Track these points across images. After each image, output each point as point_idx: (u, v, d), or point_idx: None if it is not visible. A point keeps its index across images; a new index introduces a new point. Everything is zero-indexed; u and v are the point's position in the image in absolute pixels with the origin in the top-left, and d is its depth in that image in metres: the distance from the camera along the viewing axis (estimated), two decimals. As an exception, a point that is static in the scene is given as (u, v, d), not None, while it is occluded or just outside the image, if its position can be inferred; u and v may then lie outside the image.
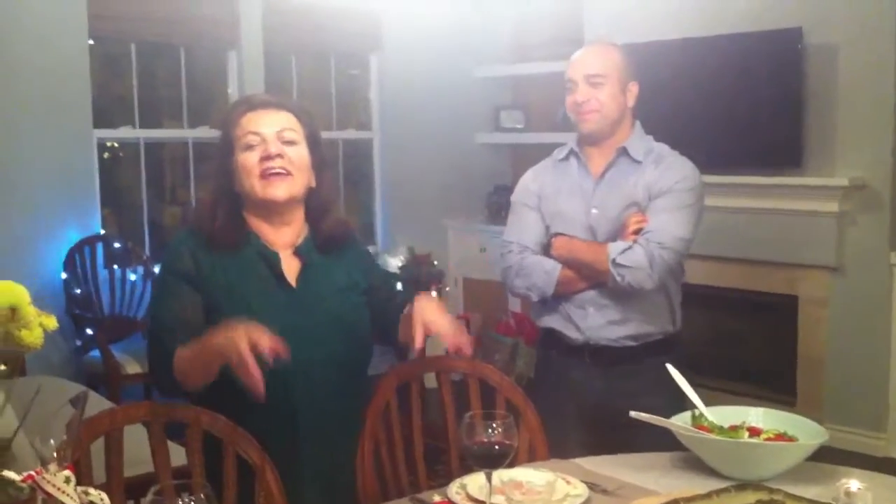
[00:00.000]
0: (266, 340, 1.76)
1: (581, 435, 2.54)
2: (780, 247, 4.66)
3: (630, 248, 2.50)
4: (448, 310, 6.06)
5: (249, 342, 1.74)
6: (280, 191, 2.02)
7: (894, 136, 4.37)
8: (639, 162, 2.62)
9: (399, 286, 2.37)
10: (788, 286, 4.72)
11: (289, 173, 2.02)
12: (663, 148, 2.68)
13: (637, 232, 2.53)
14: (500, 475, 1.74)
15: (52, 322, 0.95)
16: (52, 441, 1.30)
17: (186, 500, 1.29)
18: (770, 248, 4.70)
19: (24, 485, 1.18)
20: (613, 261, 2.49)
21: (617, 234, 2.58)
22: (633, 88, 2.65)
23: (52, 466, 1.25)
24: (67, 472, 1.25)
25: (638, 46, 5.02)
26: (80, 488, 1.28)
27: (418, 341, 1.96)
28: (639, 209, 2.58)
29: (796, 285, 4.70)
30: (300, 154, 2.05)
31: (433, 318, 1.97)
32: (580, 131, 2.66)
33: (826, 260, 4.54)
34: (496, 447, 1.65)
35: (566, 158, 2.72)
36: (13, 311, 0.89)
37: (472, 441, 1.67)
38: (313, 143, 2.11)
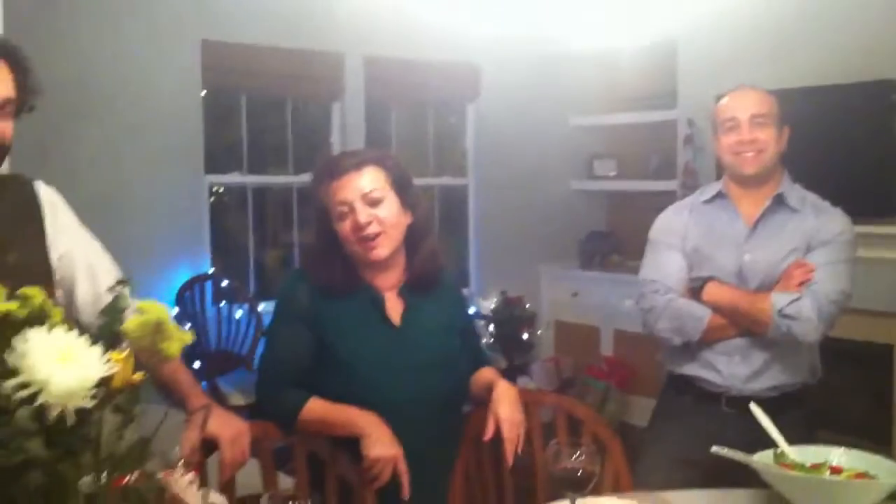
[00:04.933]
0: (406, 475, 2.01)
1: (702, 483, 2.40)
2: (876, 295, 4.62)
3: (798, 299, 2.43)
4: (539, 353, 6.04)
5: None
6: (380, 251, 2.15)
7: None
8: (796, 210, 2.56)
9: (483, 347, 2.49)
10: (884, 335, 4.66)
11: (383, 231, 2.14)
12: (815, 197, 2.63)
13: (802, 283, 2.46)
14: (585, 502, 1.84)
15: (188, 336, 1.10)
16: (177, 449, 1.46)
17: (295, 505, 1.43)
18: (865, 297, 4.65)
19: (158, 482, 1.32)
20: (780, 311, 2.43)
21: (769, 281, 2.52)
22: (786, 133, 2.61)
23: (178, 470, 1.40)
24: (191, 476, 1.40)
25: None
26: (201, 491, 1.43)
27: (489, 433, 2.10)
28: (796, 258, 2.51)
29: (892, 334, 4.64)
30: (389, 208, 2.15)
31: (505, 417, 2.09)
32: (741, 173, 2.56)
33: (921, 309, 4.49)
34: (580, 472, 1.75)
35: (711, 201, 2.65)
36: (158, 325, 1.05)
37: (557, 467, 1.77)
38: (401, 185, 2.19)
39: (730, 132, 2.56)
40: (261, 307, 4.85)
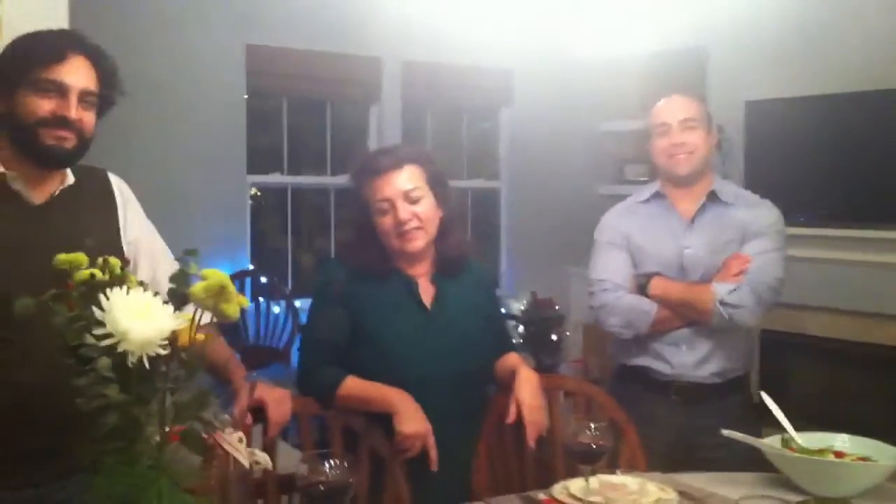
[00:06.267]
0: (434, 450, 2.16)
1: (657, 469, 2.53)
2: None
3: (737, 288, 2.59)
4: (567, 354, 6.10)
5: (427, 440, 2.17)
6: (417, 243, 2.31)
7: None
8: (729, 204, 2.72)
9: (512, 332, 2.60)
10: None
11: (421, 227, 2.30)
12: (747, 192, 2.79)
13: (739, 273, 2.62)
14: (600, 479, 1.98)
15: (245, 301, 1.27)
16: (226, 413, 1.62)
17: (331, 463, 1.59)
18: (889, 301, 4.74)
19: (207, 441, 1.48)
20: (721, 301, 2.59)
21: (709, 273, 2.66)
22: (714, 135, 2.77)
23: (229, 429, 1.56)
24: (240, 434, 1.56)
25: (760, 103, 5.23)
26: (248, 449, 1.60)
27: (511, 416, 2.25)
28: (733, 249, 2.67)
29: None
30: (427, 206, 2.31)
31: (526, 402, 2.25)
32: (675, 174, 2.71)
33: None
34: (593, 447, 1.90)
35: (648, 201, 2.80)
36: (221, 288, 1.22)
37: (574, 441, 1.92)
38: (435, 182, 2.35)
39: (662, 136, 2.71)
40: (297, 304, 5.02)
